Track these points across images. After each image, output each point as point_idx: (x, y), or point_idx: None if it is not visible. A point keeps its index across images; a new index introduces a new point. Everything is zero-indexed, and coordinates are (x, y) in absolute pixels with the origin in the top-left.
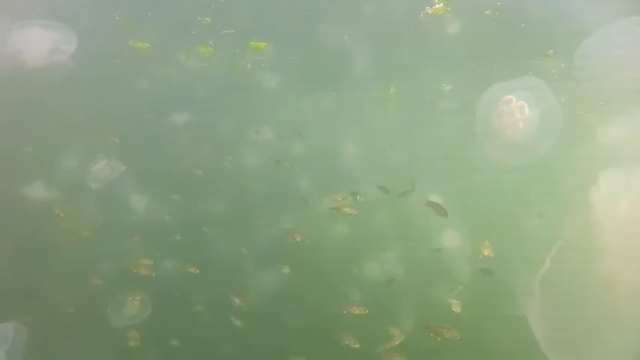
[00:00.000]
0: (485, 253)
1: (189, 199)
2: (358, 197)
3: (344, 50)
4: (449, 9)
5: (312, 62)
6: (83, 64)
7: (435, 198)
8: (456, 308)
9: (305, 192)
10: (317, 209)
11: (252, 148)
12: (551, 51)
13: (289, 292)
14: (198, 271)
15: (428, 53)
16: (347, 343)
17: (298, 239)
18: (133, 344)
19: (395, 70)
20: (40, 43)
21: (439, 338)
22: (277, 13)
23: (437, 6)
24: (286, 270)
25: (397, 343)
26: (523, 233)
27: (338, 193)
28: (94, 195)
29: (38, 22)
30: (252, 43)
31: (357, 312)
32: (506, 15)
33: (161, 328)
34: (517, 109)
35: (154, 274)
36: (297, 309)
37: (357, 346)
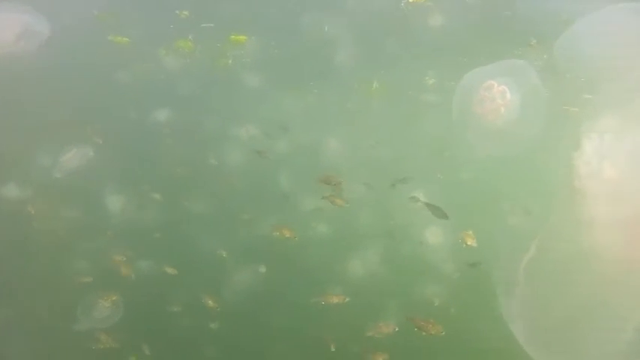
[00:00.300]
0: (469, 243)
1: (171, 197)
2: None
3: (325, 42)
4: None
5: (294, 56)
6: (62, 59)
7: (418, 193)
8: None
9: (288, 189)
10: (301, 206)
11: (235, 144)
12: (535, 41)
13: (274, 292)
14: (176, 272)
15: (410, 45)
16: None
17: (287, 235)
18: (103, 347)
19: (378, 64)
20: (11, 30)
21: (424, 333)
22: (256, 5)
23: None
24: (263, 269)
25: (382, 335)
26: (508, 226)
27: (329, 176)
28: (73, 194)
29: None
30: (233, 36)
31: (337, 301)
32: (488, 2)
33: (139, 331)
34: (498, 95)
35: (132, 276)
36: (281, 309)
37: (333, 350)
